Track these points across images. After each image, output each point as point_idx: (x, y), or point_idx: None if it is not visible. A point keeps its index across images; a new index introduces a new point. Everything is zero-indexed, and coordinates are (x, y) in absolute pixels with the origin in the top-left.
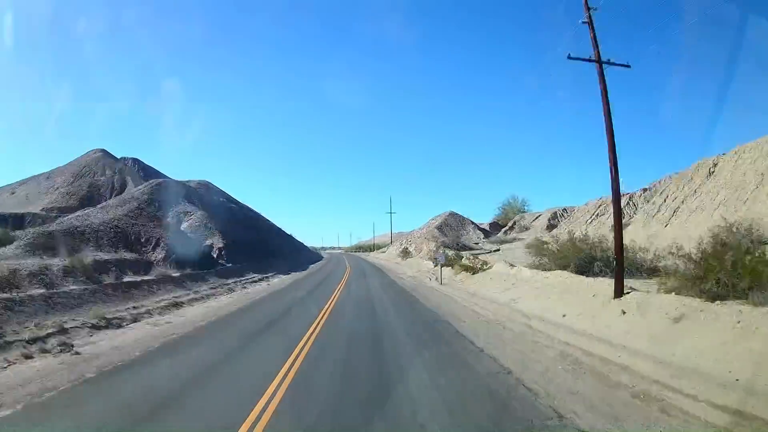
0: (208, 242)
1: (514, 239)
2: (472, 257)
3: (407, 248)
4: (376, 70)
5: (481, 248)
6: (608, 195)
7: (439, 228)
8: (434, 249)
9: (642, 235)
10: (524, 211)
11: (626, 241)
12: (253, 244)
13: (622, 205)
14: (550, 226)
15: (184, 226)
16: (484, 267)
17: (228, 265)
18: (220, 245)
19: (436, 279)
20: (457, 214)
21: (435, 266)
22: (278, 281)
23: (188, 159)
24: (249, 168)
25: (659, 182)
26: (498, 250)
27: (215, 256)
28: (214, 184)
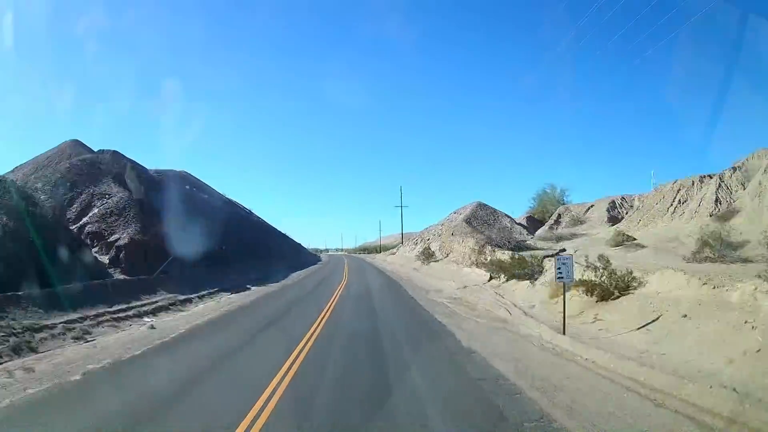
0: (113, 238)
1: (572, 235)
2: (601, 265)
3: (428, 248)
4: (378, 70)
5: (535, 246)
6: (687, 177)
7: (468, 221)
8: (476, 249)
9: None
10: (563, 203)
11: None
12: (213, 243)
13: (713, 188)
14: (612, 219)
15: (92, 213)
16: (625, 282)
17: (115, 278)
18: (124, 242)
19: (526, 313)
20: (486, 205)
21: (495, 278)
22: (186, 316)
23: (189, 159)
24: (250, 169)
25: (749, 159)
26: (564, 249)
27: (108, 261)
28: (199, 178)
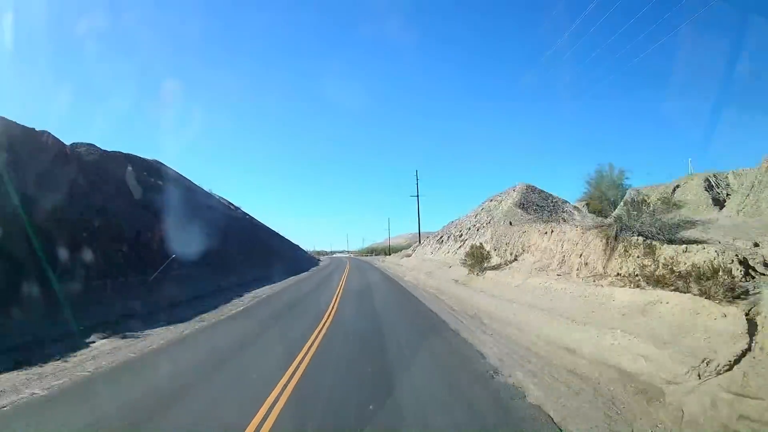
0: None
1: (688, 223)
2: None
3: (482, 246)
4: (380, 69)
5: (696, 237)
6: None
7: (522, 206)
8: (605, 243)
9: None
10: (624, 186)
11: None
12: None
13: None
14: (716, 201)
15: None
16: None
17: None
18: None
19: None
20: (536, 187)
21: None
22: None
23: (189, 160)
24: (253, 172)
25: None
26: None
27: None
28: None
